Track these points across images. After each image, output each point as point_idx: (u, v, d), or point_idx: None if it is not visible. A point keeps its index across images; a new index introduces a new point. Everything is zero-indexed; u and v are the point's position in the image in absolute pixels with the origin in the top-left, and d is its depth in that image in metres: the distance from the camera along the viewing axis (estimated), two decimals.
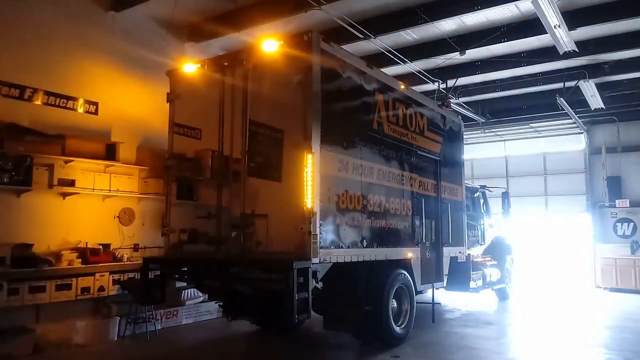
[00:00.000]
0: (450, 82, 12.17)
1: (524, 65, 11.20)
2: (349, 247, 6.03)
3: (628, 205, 14.44)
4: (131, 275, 7.58)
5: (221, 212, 6.18)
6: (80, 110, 7.96)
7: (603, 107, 13.04)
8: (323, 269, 5.62)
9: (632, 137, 14.72)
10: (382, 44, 9.85)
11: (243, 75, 6.13)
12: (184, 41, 9.91)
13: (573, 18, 8.52)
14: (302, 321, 7.08)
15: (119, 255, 7.92)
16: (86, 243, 7.58)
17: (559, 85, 12.15)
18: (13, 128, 6.86)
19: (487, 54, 10.87)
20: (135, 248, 8.36)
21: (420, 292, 7.98)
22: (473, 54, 10.39)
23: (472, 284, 9.80)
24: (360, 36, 9.24)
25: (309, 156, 5.35)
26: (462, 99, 13.44)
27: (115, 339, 7.38)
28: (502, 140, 17.33)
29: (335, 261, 5.76)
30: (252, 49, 6.35)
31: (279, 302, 5.16)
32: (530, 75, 12.18)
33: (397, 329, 6.94)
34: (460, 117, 10.38)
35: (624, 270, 13.82)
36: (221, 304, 7.27)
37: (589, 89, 11.79)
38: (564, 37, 8.55)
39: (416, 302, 7.52)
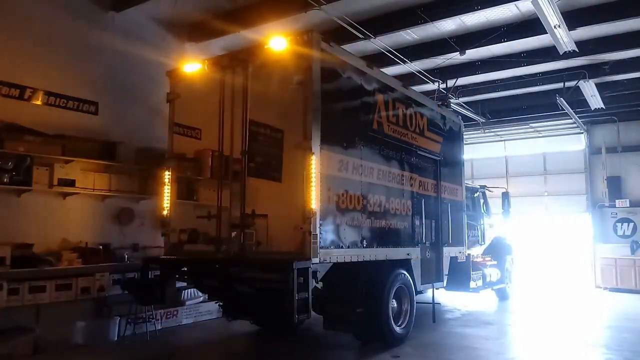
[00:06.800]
0: (450, 82, 12.17)
1: (524, 65, 11.19)
2: (349, 247, 6.03)
3: (628, 205, 14.44)
4: (131, 275, 7.57)
5: (221, 212, 6.16)
6: (80, 110, 7.96)
7: (603, 107, 13.04)
8: (323, 269, 5.61)
9: (632, 137, 14.72)
10: (382, 44, 9.85)
11: (243, 75, 6.12)
12: (184, 41, 9.91)
13: (573, 18, 8.51)
14: (302, 321, 7.05)
15: (119, 255, 7.91)
16: (86, 243, 7.58)
17: (559, 85, 12.15)
18: (13, 128, 6.86)
19: (487, 54, 10.87)
20: (135, 248, 8.35)
21: (420, 292, 7.98)
22: (473, 54, 10.39)
23: (472, 284, 9.80)
24: (360, 36, 9.24)
25: (309, 156, 5.35)
26: (462, 99, 13.44)
27: (115, 339, 7.37)
28: (502, 140, 17.32)
29: (335, 261, 5.75)
30: (252, 48, 6.35)
31: (279, 302, 5.15)
32: (530, 75, 12.18)
33: (397, 329, 6.94)
34: (460, 117, 10.38)
35: (624, 270, 13.82)
36: (221, 304, 7.27)
37: (589, 89, 11.79)
38: (564, 37, 8.55)
39: (416, 302, 7.52)
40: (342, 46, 6.64)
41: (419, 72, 11.51)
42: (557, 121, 14.89)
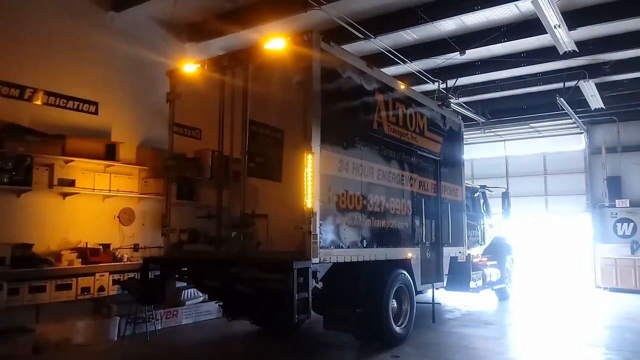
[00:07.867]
0: (450, 82, 12.17)
1: (524, 65, 11.20)
2: (349, 247, 6.03)
3: (628, 205, 14.44)
4: (131, 275, 7.57)
5: (221, 212, 6.17)
6: (80, 110, 7.96)
7: (603, 107, 13.04)
8: (323, 269, 5.62)
9: (632, 137, 14.71)
10: (382, 44, 9.85)
11: (243, 75, 6.12)
12: (184, 41, 9.91)
13: (573, 18, 8.51)
14: (302, 321, 7.08)
15: (119, 255, 7.92)
16: (86, 243, 7.59)
17: (559, 85, 12.15)
18: (13, 128, 6.86)
19: (487, 54, 10.87)
20: (135, 248, 8.36)
21: (420, 292, 7.98)
22: (473, 54, 10.39)
23: (472, 284, 9.79)
24: (360, 36, 9.24)
25: (309, 156, 5.35)
26: (462, 99, 13.44)
27: (115, 339, 7.38)
28: (502, 140, 17.32)
29: (335, 261, 5.75)
30: (252, 48, 6.36)
31: (279, 302, 5.15)
32: (530, 75, 12.18)
33: (397, 329, 6.94)
34: (460, 117, 10.38)
35: (624, 270, 13.82)
36: (221, 304, 7.27)
37: (589, 89, 11.79)
38: (564, 37, 8.55)
39: (416, 302, 7.52)
40: (342, 46, 6.64)
41: (419, 72, 11.51)
42: (557, 121, 14.89)
